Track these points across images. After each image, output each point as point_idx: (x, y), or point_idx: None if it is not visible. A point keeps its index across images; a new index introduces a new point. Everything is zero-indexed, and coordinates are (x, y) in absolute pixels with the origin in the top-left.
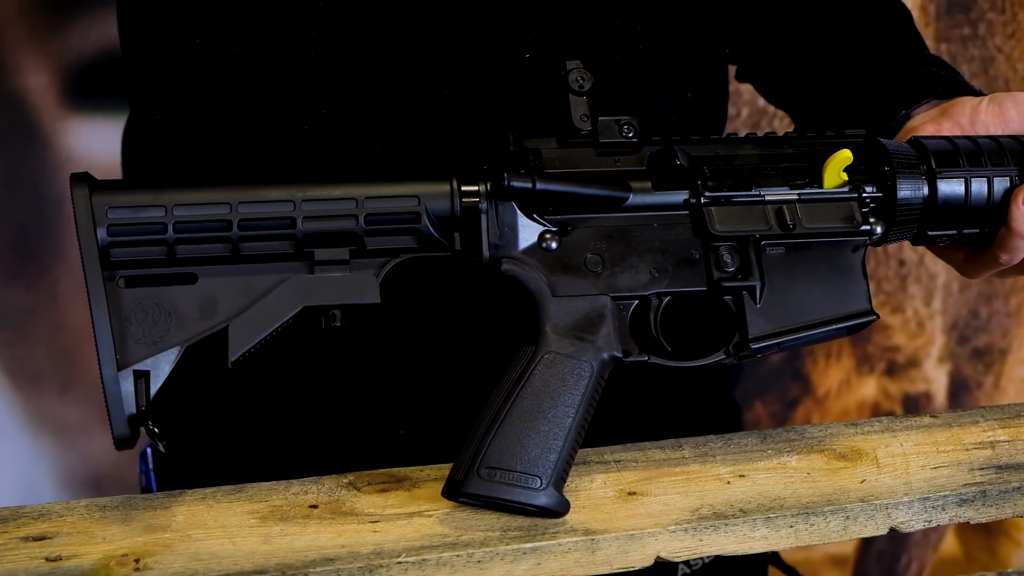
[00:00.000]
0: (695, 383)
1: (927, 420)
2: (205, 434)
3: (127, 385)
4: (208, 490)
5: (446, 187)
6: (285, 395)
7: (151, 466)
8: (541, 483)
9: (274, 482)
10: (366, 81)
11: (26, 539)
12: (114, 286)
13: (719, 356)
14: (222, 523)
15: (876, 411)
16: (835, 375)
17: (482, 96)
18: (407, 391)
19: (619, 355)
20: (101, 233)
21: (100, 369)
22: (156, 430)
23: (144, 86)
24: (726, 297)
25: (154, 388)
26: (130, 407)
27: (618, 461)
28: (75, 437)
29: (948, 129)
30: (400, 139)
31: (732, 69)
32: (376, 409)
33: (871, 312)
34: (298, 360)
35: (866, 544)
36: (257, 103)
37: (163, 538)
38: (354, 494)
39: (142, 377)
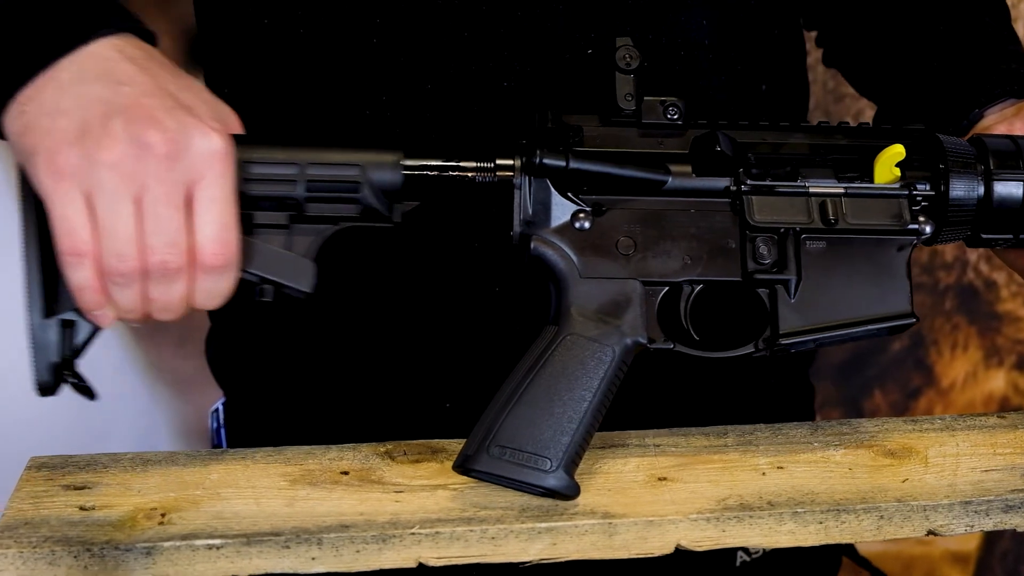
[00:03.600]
0: (766, 364)
1: (992, 420)
2: (272, 394)
3: (53, 333)
4: (248, 450)
5: (390, 157)
6: (347, 362)
7: (222, 422)
8: (551, 465)
9: (313, 446)
10: (426, 70)
11: (67, 487)
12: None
13: (748, 349)
14: (253, 484)
15: (1004, 406)
16: (961, 367)
17: (542, 90)
18: (457, 366)
19: (643, 341)
20: None
21: (28, 315)
22: (74, 380)
23: (214, 60)
24: (760, 289)
25: (79, 338)
26: (54, 355)
27: (657, 445)
28: (191, 389)
29: (1020, 129)
30: (457, 129)
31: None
32: (426, 382)
33: (911, 315)
34: (361, 331)
35: (989, 543)
36: (320, 85)
37: (194, 495)
38: (387, 463)
39: (69, 327)
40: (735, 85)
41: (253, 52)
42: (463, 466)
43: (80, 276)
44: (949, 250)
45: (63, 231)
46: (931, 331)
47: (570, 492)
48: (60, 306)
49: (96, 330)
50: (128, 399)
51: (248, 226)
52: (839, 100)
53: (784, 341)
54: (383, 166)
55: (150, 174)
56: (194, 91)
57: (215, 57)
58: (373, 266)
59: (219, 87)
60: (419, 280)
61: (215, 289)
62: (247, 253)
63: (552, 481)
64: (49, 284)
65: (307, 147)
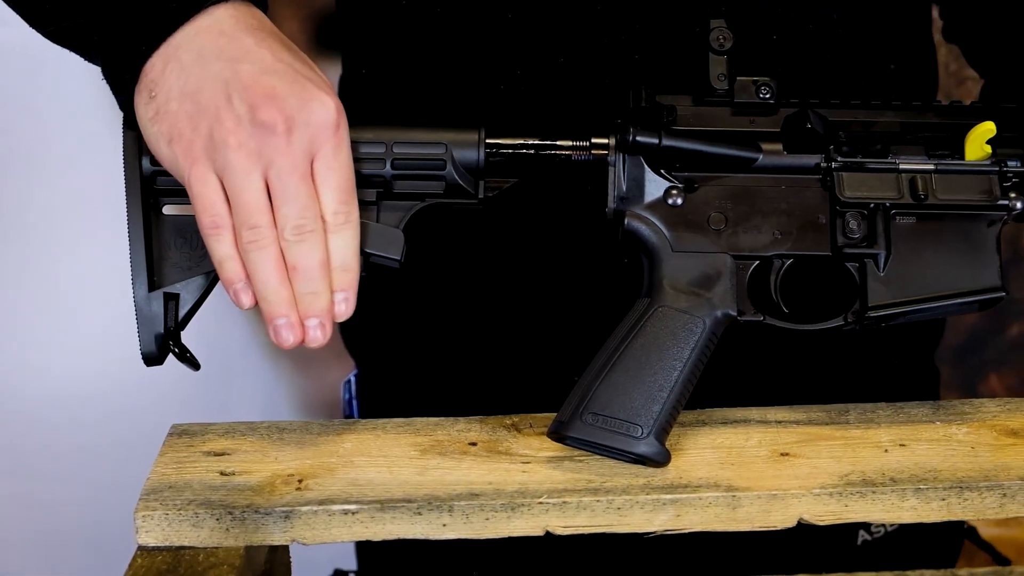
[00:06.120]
0: (891, 347)
1: None
2: (403, 367)
3: (157, 305)
4: (380, 421)
5: (474, 135)
6: (475, 337)
7: (354, 394)
8: (642, 432)
9: (441, 418)
10: (558, 44)
11: (208, 454)
12: (158, 212)
13: (837, 322)
14: (385, 452)
15: None
16: None
17: (672, 62)
18: (577, 341)
19: (733, 314)
20: (145, 162)
21: (133, 288)
22: (177, 350)
23: (353, 41)
24: (849, 263)
25: (183, 311)
26: (158, 326)
27: (779, 421)
28: (312, 364)
29: None
30: (589, 102)
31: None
32: (546, 356)
33: (1000, 288)
34: (487, 306)
35: None
36: (456, 62)
37: (328, 462)
38: (513, 435)
39: (173, 299)
40: (864, 63)
41: (390, 32)
42: (557, 432)
43: (221, 249)
44: None
45: (201, 208)
46: None
47: (661, 459)
48: (163, 280)
49: (200, 302)
50: (252, 374)
51: None
52: (961, 83)
53: (873, 314)
54: (467, 144)
55: (274, 150)
56: (305, 60)
57: (353, 38)
58: (502, 242)
59: (357, 68)
60: (542, 258)
61: (345, 251)
62: None
63: (643, 448)
64: (152, 259)
65: (393, 126)
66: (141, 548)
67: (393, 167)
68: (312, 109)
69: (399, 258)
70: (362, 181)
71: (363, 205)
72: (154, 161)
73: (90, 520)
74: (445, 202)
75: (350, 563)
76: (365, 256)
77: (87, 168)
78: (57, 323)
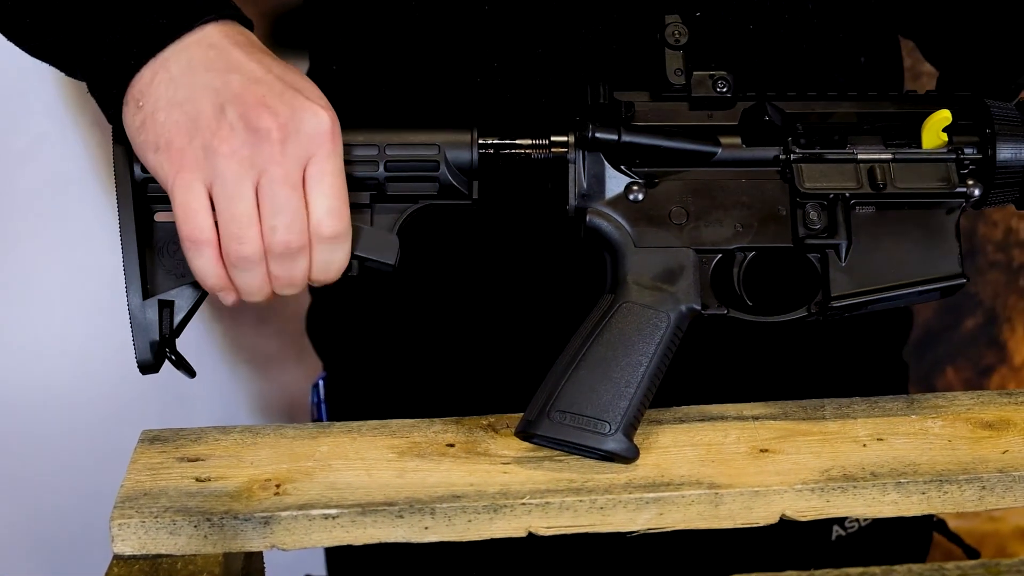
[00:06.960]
0: (860, 342)
1: None
2: (372, 368)
3: (152, 313)
4: (355, 423)
5: (466, 136)
6: (446, 337)
7: (323, 398)
8: (610, 428)
9: (417, 419)
10: (536, 36)
11: (182, 459)
12: (150, 219)
13: (801, 313)
14: (362, 455)
15: None
16: None
17: (650, 54)
18: (554, 340)
19: (697, 307)
20: (137, 169)
21: (127, 296)
22: (173, 357)
23: (322, 37)
24: (811, 255)
25: (177, 318)
26: (153, 334)
27: (756, 418)
28: (270, 367)
29: None
30: (568, 94)
31: None
32: (527, 356)
33: (961, 275)
34: (456, 306)
35: None
36: (432, 55)
37: (305, 466)
38: (491, 436)
39: (167, 307)
40: (836, 56)
41: (362, 25)
42: (525, 431)
43: (201, 263)
44: None
45: (183, 219)
46: (1005, 309)
47: (629, 454)
48: (157, 287)
49: (194, 309)
50: (208, 377)
51: None
52: (917, 78)
53: (836, 304)
54: (460, 145)
55: (267, 159)
56: (296, 73)
57: (322, 33)
58: (470, 242)
59: (327, 64)
60: (512, 256)
61: (332, 260)
62: None
63: (612, 444)
64: (146, 267)
65: (385, 128)
66: (117, 557)
67: (386, 169)
68: (303, 119)
69: (393, 263)
70: (356, 184)
71: (357, 208)
72: (145, 168)
73: (59, 528)
74: (439, 203)
75: (319, 568)
76: (359, 260)
77: (48, 170)
78: (12, 328)
